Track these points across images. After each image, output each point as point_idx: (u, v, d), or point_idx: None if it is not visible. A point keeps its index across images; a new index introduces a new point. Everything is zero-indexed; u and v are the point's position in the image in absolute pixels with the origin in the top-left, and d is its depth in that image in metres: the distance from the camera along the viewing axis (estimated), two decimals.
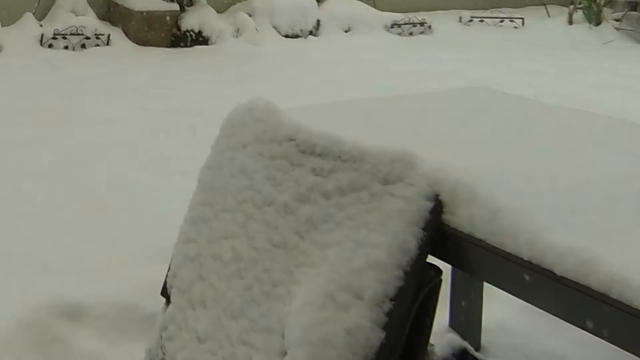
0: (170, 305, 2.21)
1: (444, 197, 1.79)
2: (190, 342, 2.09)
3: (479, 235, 1.71)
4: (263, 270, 1.95)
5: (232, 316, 1.98)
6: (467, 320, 2.71)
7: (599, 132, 2.40)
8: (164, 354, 2.19)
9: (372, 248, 1.75)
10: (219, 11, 9.02)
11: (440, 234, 1.78)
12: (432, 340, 1.92)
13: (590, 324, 1.54)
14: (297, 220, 1.92)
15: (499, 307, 2.80)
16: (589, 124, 2.51)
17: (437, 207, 1.77)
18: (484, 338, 2.75)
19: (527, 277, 1.62)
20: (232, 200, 2.11)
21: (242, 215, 2.06)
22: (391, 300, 1.71)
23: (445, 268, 1.88)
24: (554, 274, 1.56)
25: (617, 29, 9.57)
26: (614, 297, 1.46)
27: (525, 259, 1.62)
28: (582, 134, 2.38)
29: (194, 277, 2.14)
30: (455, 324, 2.74)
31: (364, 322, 1.70)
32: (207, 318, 2.06)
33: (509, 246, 1.65)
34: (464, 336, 2.66)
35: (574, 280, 1.53)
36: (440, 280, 1.80)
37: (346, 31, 9.47)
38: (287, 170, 2.00)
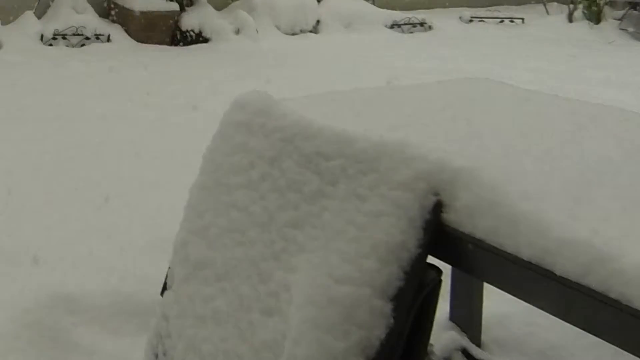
0: (171, 294, 2.21)
1: (441, 190, 1.78)
2: (191, 328, 2.09)
3: (479, 235, 1.71)
4: (260, 263, 1.96)
5: (232, 307, 1.99)
6: (468, 315, 2.71)
7: (598, 121, 2.40)
8: (164, 344, 2.19)
9: (371, 246, 1.74)
10: (218, 9, 9.01)
11: (440, 234, 1.77)
12: (432, 337, 1.92)
13: (590, 324, 1.53)
14: (295, 212, 1.92)
15: (499, 302, 2.80)
16: (588, 112, 2.50)
17: (437, 207, 1.77)
18: (485, 333, 2.75)
19: (527, 277, 1.62)
20: (232, 192, 2.12)
21: (242, 205, 2.07)
22: (391, 300, 1.71)
23: (446, 266, 1.87)
24: (554, 274, 1.56)
25: (620, 29, 9.57)
26: (614, 297, 1.46)
27: (525, 259, 1.61)
28: (582, 122, 2.37)
29: (196, 263, 2.15)
30: (455, 319, 2.73)
31: (363, 320, 1.70)
32: (207, 309, 2.06)
33: (509, 246, 1.65)
34: (464, 331, 2.66)
35: (574, 280, 1.53)
36: (440, 280, 1.79)
37: (346, 29, 9.47)
38: (286, 162, 2.00)
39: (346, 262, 1.76)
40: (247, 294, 1.96)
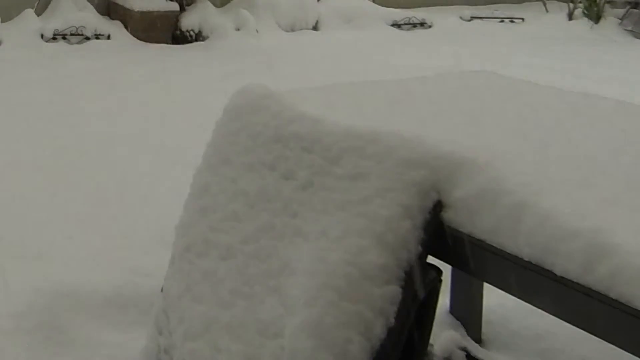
0: (172, 274, 2.21)
1: (442, 179, 1.78)
2: (192, 309, 2.09)
3: (479, 235, 1.71)
4: (262, 244, 1.97)
5: (234, 287, 2.00)
6: (468, 310, 2.71)
7: (598, 113, 2.40)
8: (164, 337, 2.19)
9: (370, 248, 1.74)
10: (218, 6, 9.01)
11: (440, 234, 1.77)
12: (432, 337, 1.92)
13: (590, 324, 1.54)
14: (294, 195, 1.93)
15: (500, 296, 2.78)
16: (588, 104, 2.50)
17: (437, 207, 1.76)
18: (485, 327, 2.74)
19: (527, 277, 1.62)
20: (234, 173, 2.14)
21: (244, 186, 2.09)
22: (391, 299, 1.71)
23: (445, 265, 1.87)
24: (554, 274, 1.56)
25: (625, 29, 9.57)
26: (614, 297, 1.46)
27: (525, 259, 1.61)
28: (582, 113, 2.37)
29: (198, 243, 2.16)
30: (455, 313, 2.73)
31: (363, 319, 1.70)
32: (209, 289, 2.07)
33: (509, 246, 1.65)
34: (464, 325, 2.66)
35: (574, 280, 1.53)
36: (441, 280, 1.79)
37: (346, 26, 9.46)
38: (284, 148, 2.01)
39: (344, 253, 1.76)
40: (248, 274, 1.96)
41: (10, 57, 7.32)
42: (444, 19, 9.97)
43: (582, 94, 2.64)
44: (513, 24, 10.15)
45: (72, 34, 8.04)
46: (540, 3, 10.76)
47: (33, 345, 2.68)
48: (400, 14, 9.73)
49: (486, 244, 1.69)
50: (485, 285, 2.66)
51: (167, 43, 8.33)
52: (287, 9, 9.14)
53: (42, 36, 8.00)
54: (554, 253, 1.56)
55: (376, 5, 9.95)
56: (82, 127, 5.20)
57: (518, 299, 1.69)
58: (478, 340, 2.69)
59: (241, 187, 2.09)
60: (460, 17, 10.23)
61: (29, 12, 8.30)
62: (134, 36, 8.31)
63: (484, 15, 10.30)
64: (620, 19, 9.76)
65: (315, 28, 9.31)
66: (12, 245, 3.38)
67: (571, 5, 9.99)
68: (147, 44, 8.19)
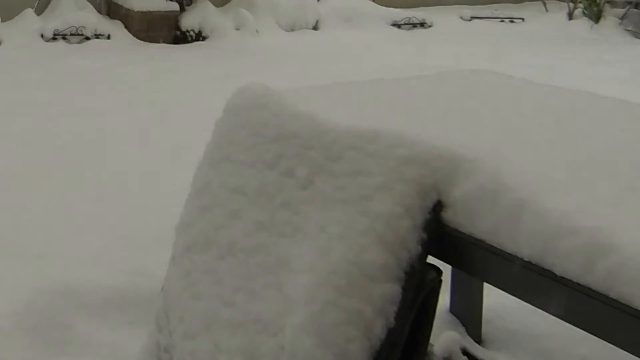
0: (172, 272, 2.21)
1: (441, 177, 1.77)
2: (192, 308, 2.09)
3: (479, 235, 1.70)
4: (261, 241, 1.97)
5: (234, 285, 2.00)
6: (468, 308, 2.71)
7: (598, 110, 2.40)
8: (164, 337, 2.19)
9: (370, 247, 1.74)
10: (218, 6, 9.01)
11: (440, 234, 1.77)
12: (432, 337, 1.92)
13: (590, 324, 1.54)
14: (293, 194, 1.93)
15: (500, 294, 2.78)
16: (588, 102, 2.50)
17: (437, 207, 1.76)
18: (485, 325, 2.74)
19: (527, 277, 1.62)
20: (235, 170, 2.14)
21: (243, 184, 2.09)
22: (391, 299, 1.71)
23: (445, 265, 1.87)
24: (554, 274, 1.56)
25: (625, 29, 9.57)
26: (614, 297, 1.46)
27: (525, 259, 1.61)
28: (581, 111, 2.37)
29: (198, 242, 2.15)
30: (455, 312, 2.73)
31: (364, 318, 1.70)
32: (210, 287, 2.07)
33: (509, 246, 1.65)
34: (464, 324, 2.66)
35: (574, 280, 1.53)
36: (440, 280, 1.79)
37: (346, 26, 9.47)
38: (284, 152, 2.02)
39: (344, 252, 1.75)
40: (249, 272, 1.97)
41: (10, 57, 7.32)
42: (444, 18, 9.98)
43: (582, 93, 2.64)
44: (513, 23, 10.16)
45: (72, 34, 8.04)
46: (540, 3, 10.77)
47: (33, 345, 2.68)
48: (400, 14, 9.73)
49: (486, 244, 1.69)
50: (485, 285, 2.66)
51: (167, 43, 8.33)
52: (287, 9, 9.14)
53: (42, 36, 8.01)
54: (554, 253, 1.56)
55: (376, 5, 9.95)
56: (82, 127, 5.20)
57: (518, 299, 1.69)
58: (478, 339, 2.69)
59: (241, 185, 2.09)
60: (460, 17, 10.24)
61: (29, 12, 8.30)
62: (134, 36, 8.31)
63: (484, 15, 10.31)
64: (620, 19, 9.77)
65: (315, 28, 9.31)
66: (12, 245, 3.38)
67: (571, 5, 9.99)
68: (147, 43, 8.20)
